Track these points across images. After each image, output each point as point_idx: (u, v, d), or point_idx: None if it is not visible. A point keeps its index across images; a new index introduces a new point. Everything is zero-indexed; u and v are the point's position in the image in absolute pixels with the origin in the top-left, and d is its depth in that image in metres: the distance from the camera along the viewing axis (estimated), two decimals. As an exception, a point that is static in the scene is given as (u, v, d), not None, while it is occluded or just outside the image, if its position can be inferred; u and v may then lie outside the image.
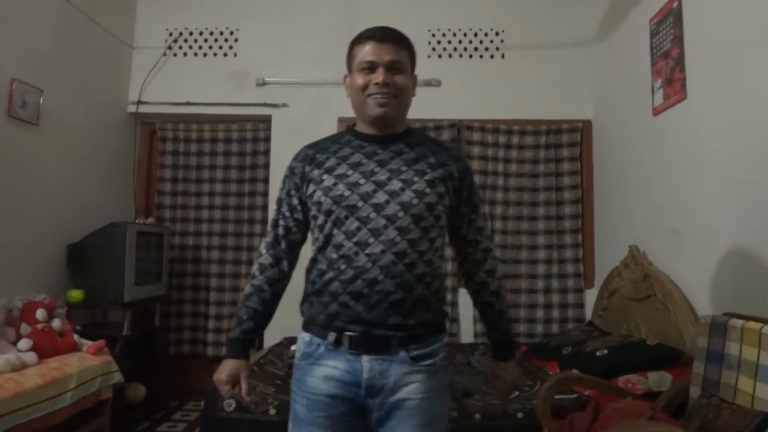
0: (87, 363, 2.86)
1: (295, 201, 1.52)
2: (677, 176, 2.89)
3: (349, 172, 1.42)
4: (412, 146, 1.48)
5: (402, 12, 4.27)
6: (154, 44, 4.39)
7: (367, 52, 1.43)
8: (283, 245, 1.55)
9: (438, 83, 4.23)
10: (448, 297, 4.01)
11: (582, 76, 4.18)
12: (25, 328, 2.77)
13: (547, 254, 4.04)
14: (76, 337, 3.03)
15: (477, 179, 3.96)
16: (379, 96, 1.42)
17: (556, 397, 2.30)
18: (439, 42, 4.27)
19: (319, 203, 1.42)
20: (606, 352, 2.72)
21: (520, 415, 2.36)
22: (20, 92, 3.14)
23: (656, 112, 3.09)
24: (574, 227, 4.06)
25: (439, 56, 4.27)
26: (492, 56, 4.27)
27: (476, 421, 2.34)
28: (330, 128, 4.21)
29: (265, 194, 4.30)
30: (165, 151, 4.41)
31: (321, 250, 1.46)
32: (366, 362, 1.37)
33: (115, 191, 4.17)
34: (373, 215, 1.37)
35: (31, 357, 2.66)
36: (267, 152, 4.34)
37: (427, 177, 1.42)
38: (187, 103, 4.30)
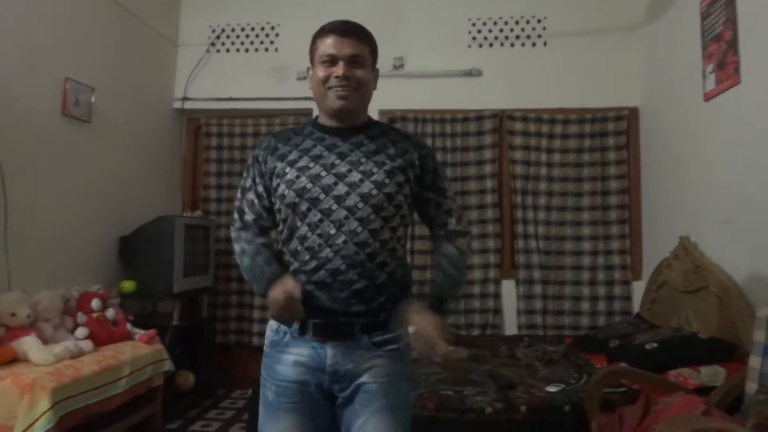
0: (139, 351, 2.96)
1: (261, 188, 1.53)
2: (730, 163, 2.78)
3: (311, 165, 1.45)
4: (373, 138, 1.50)
5: (442, 1, 4.24)
6: (198, 41, 4.48)
7: (328, 45, 1.45)
8: (253, 229, 1.55)
9: (479, 73, 4.18)
10: (491, 289, 3.99)
11: (627, 62, 4.07)
12: (81, 317, 2.89)
13: (592, 245, 3.96)
14: (128, 326, 3.14)
15: (519, 169, 3.98)
16: (339, 89, 1.44)
17: (605, 390, 2.26)
18: (479, 31, 4.22)
19: (283, 196, 1.45)
20: (656, 345, 2.66)
21: (566, 407, 2.33)
22: (73, 91, 3.26)
23: (708, 97, 2.98)
24: (621, 218, 3.96)
25: (480, 45, 4.22)
26: (534, 44, 4.19)
27: (522, 414, 2.32)
28: (371, 120, 4.23)
29: (307, 187, 4.34)
30: (210, 146, 4.50)
31: (286, 242, 1.48)
32: (330, 348, 1.41)
33: (162, 185, 4.29)
34: (334, 207, 1.40)
35: (87, 345, 2.77)
36: (309, 145, 4.37)
37: (386, 168, 1.44)
38: (231, 99, 4.38)
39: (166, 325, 3.46)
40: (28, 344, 2.58)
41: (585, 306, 3.92)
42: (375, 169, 1.43)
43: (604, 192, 3.99)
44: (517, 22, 4.21)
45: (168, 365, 3.15)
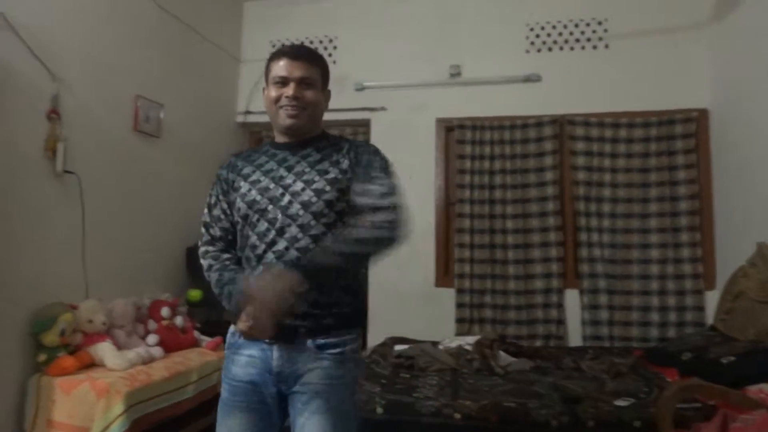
0: (206, 358, 3.05)
1: (225, 205, 1.63)
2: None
3: (262, 179, 1.56)
4: (320, 149, 1.59)
5: (499, 7, 4.21)
6: (259, 56, 4.59)
7: (280, 67, 1.55)
8: (220, 244, 1.64)
9: (538, 78, 4.11)
10: (554, 298, 3.89)
11: (695, 61, 3.90)
12: (152, 324, 3.01)
13: (661, 254, 3.80)
14: (195, 333, 3.25)
15: (581, 176, 3.88)
16: (289, 108, 1.54)
17: (678, 406, 2.16)
18: (537, 36, 4.15)
19: (238, 209, 1.57)
20: (733, 359, 2.52)
21: (637, 423, 2.24)
22: (144, 108, 3.42)
23: (786, 96, 2.82)
24: (692, 224, 3.78)
25: (538, 50, 4.15)
26: (595, 47, 4.09)
27: (589, 428, 2.24)
28: (428, 129, 4.24)
29: (366, 196, 4.37)
30: (271, 157, 4.60)
31: (241, 250, 1.58)
32: (276, 350, 1.49)
33: (226, 197, 4.41)
34: (279, 216, 1.50)
35: (158, 351, 2.88)
36: (367, 155, 4.41)
37: (328, 176, 1.52)
38: (291, 111, 4.47)
39: (231, 333, 3.55)
40: (104, 350, 2.71)
41: (654, 317, 3.76)
42: (317, 178, 1.52)
43: (673, 198, 3.83)
44: (576, 25, 4.11)
45: (232, 373, 3.22)
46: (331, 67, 4.61)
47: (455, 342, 3.36)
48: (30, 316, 2.63)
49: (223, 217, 1.63)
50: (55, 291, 2.77)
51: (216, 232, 1.64)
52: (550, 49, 4.14)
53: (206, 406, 3.05)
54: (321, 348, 1.48)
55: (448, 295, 4.05)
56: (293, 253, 1.46)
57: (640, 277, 3.82)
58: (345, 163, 1.55)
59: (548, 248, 3.93)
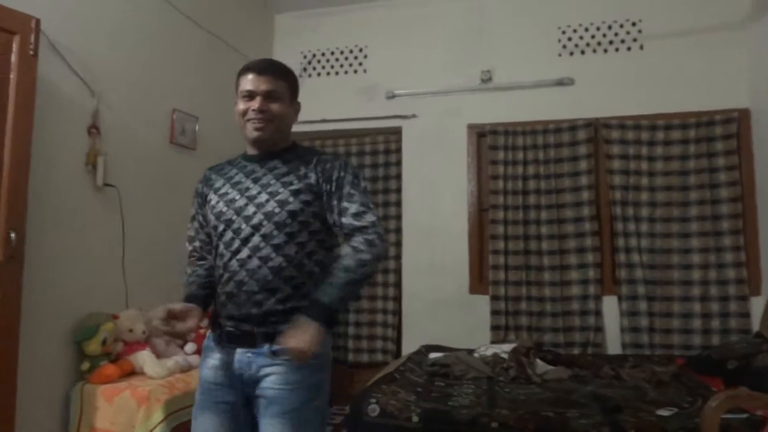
0: (243, 367, 3.08)
1: (201, 218, 1.73)
2: None
3: (229, 191, 1.64)
4: (287, 161, 1.64)
5: (530, 11, 4.18)
6: (290, 67, 4.66)
7: (247, 81, 1.62)
8: (198, 254, 1.76)
9: (571, 82, 4.06)
10: (591, 305, 3.81)
11: (734, 61, 3.79)
12: (190, 333, 3.06)
13: (702, 258, 3.69)
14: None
15: (618, 180, 3.80)
16: (255, 121, 1.60)
17: (724, 416, 2.09)
18: (570, 39, 4.10)
19: (209, 220, 1.66)
20: (781, 367, 2.43)
21: (680, 433, 2.17)
22: (180, 121, 3.49)
23: (833, 94, 2.71)
24: (734, 228, 3.67)
25: (571, 53, 4.10)
26: (629, 48, 4.01)
27: (630, 438, 2.19)
28: (460, 136, 4.23)
29: (398, 204, 4.39)
30: (303, 166, 4.65)
31: (214, 260, 1.67)
32: (238, 354, 1.56)
33: (260, 206, 4.47)
34: (243, 226, 1.57)
35: (195, 359, 2.93)
36: (398, 163, 4.43)
37: (292, 187, 1.58)
38: (323, 120, 4.51)
39: (267, 341, 3.58)
40: (144, 358, 2.77)
41: (696, 324, 3.65)
42: (281, 189, 1.58)
43: (714, 201, 3.72)
44: (609, 27, 4.05)
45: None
46: (362, 76, 4.69)
47: (491, 350, 3.32)
48: (73, 325, 2.71)
49: (201, 230, 1.74)
50: (97, 301, 2.84)
51: (197, 244, 1.76)
52: (583, 52, 4.08)
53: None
54: (277, 354, 1.51)
55: (483, 302, 4.02)
56: (255, 262, 1.54)
57: (681, 282, 3.71)
58: (312, 177, 1.60)
59: (584, 254, 3.86)
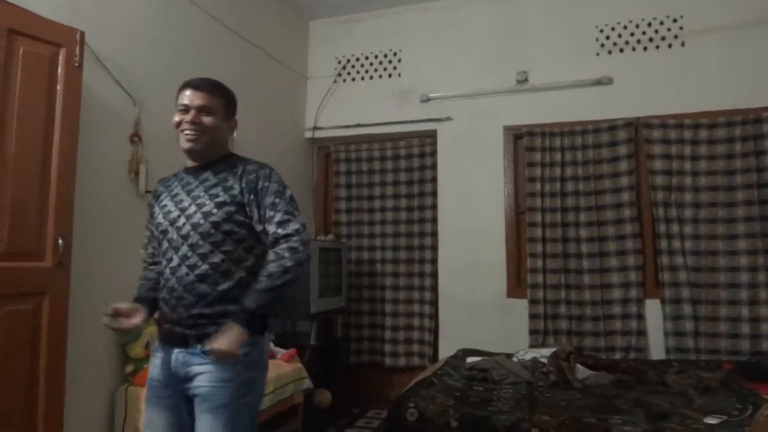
0: (281, 369, 3.11)
1: (152, 227, 1.82)
2: None
3: (168, 203, 1.74)
4: (217, 173, 1.73)
5: (566, 11, 4.12)
6: (325, 73, 4.71)
7: (184, 96, 1.73)
8: (152, 262, 1.87)
9: (609, 81, 3.97)
10: (633, 309, 3.72)
11: (781, 55, 3.65)
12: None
13: (750, 261, 3.55)
14: (270, 345, 3.32)
15: (660, 180, 3.72)
16: (188, 132, 1.70)
17: (777, 424, 2.01)
18: (608, 38, 4.02)
19: (152, 231, 1.80)
20: (838, 373, 2.32)
21: (730, 442, 2.10)
22: (218, 128, 3.55)
23: None
24: (784, 229, 3.53)
25: (609, 52, 4.02)
26: (670, 45, 3.91)
27: (677, 447, 2.12)
28: (496, 138, 4.19)
29: (434, 207, 4.37)
30: (339, 171, 4.69)
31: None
32: (174, 354, 1.66)
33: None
34: (175, 236, 1.68)
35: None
36: (434, 166, 4.41)
37: (218, 199, 1.67)
38: (357, 125, 4.54)
39: (304, 345, 3.62)
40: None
41: (745, 328, 3.52)
42: (207, 201, 1.67)
43: (762, 201, 3.58)
44: (649, 24, 3.95)
45: (307, 383, 3.28)
46: (396, 80, 4.70)
47: (530, 354, 3.27)
48: (118, 329, 2.78)
49: (152, 237, 1.85)
50: (140, 305, 2.91)
51: (149, 250, 1.89)
52: (621, 51, 4.00)
53: (282, 417, 3.12)
54: (206, 354, 1.60)
55: (521, 305, 3.96)
56: (183, 270, 1.64)
57: (727, 285, 3.59)
58: (236, 188, 1.68)
59: (626, 256, 3.77)
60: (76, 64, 2.42)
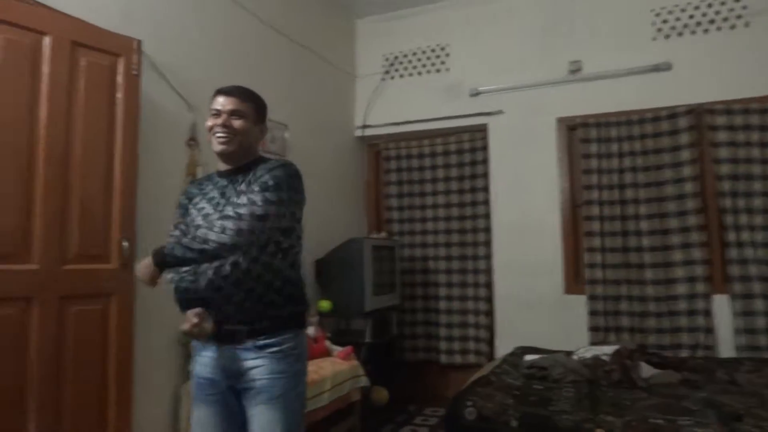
0: (338, 367, 3.14)
1: (183, 226, 1.84)
2: None
3: (204, 205, 1.80)
4: (247, 175, 1.77)
5: (621, -4, 3.97)
6: (373, 71, 4.72)
7: (216, 102, 1.81)
8: None
9: (668, 67, 3.81)
10: (700, 305, 3.56)
11: None
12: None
13: (828, 252, 3.35)
14: (327, 343, 3.36)
15: (725, 169, 3.55)
16: (220, 135, 1.77)
17: None
18: (665, 21, 3.85)
19: (182, 230, 1.81)
20: None
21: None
22: (271, 129, 3.58)
23: None
24: None
25: (667, 37, 3.85)
26: (733, 26, 3.71)
27: (754, 449, 2.02)
28: (549, 130, 4.10)
29: (486, 203, 4.31)
30: (389, 169, 4.68)
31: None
32: (224, 350, 1.72)
33: (349, 210, 4.55)
34: None
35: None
36: (485, 161, 4.35)
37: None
38: (407, 122, 4.52)
39: (360, 342, 3.64)
40: (245, 360, 2.87)
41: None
42: (240, 203, 1.69)
43: (840, 187, 3.37)
44: (710, 5, 3.76)
45: (364, 381, 3.30)
46: (445, 75, 4.67)
47: (590, 352, 3.17)
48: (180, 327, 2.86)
49: (182, 236, 1.80)
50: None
51: None
52: (680, 34, 3.83)
53: (340, 414, 3.14)
54: (261, 348, 1.69)
55: (579, 302, 3.86)
56: (227, 268, 1.67)
57: (801, 279, 3.39)
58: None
59: (690, 250, 3.62)
60: (134, 73, 2.50)
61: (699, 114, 3.71)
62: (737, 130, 3.58)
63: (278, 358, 1.71)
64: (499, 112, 4.25)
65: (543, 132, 4.12)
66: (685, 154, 3.67)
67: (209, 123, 1.80)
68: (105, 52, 2.41)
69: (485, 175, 4.34)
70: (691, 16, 3.80)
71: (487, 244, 4.29)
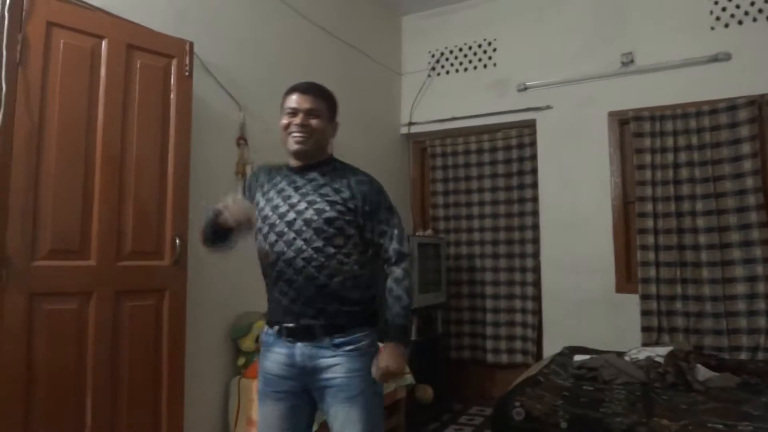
0: (384, 365, 3.13)
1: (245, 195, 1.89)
2: None
3: (275, 197, 1.80)
4: (323, 174, 1.80)
5: (677, -16, 3.82)
6: (419, 68, 4.70)
7: (292, 100, 1.79)
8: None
9: (727, 57, 3.64)
10: (761, 305, 3.38)
11: None
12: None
13: None
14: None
15: (790, 163, 3.36)
16: (297, 135, 1.76)
17: None
18: (724, 9, 3.68)
19: (256, 221, 1.79)
20: None
21: None
22: (317, 127, 3.63)
23: None
24: None
25: (726, 25, 3.68)
26: (797, 13, 3.52)
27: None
28: (600, 125, 4.00)
29: (535, 200, 4.23)
30: (435, 166, 4.66)
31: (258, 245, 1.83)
32: (299, 348, 1.71)
33: (395, 207, 4.54)
34: (286, 230, 1.73)
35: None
36: (533, 157, 4.27)
37: (328, 198, 1.74)
38: (453, 119, 4.48)
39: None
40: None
41: None
42: (318, 199, 1.74)
43: None
44: (773, -9, 3.58)
45: (409, 379, 3.29)
46: (492, 71, 4.60)
47: (643, 353, 3.08)
48: (230, 323, 2.93)
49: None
50: (249, 300, 3.03)
51: None
52: (740, 23, 3.65)
53: (385, 412, 3.13)
54: (338, 346, 1.69)
55: (632, 301, 3.74)
56: (300, 262, 1.69)
57: None
58: (347, 193, 1.76)
59: (751, 248, 3.45)
60: (187, 74, 2.57)
61: (761, 105, 3.54)
62: (802, 121, 3.41)
63: (356, 356, 1.70)
64: (548, 107, 4.17)
65: (594, 127, 4.01)
66: (746, 148, 3.51)
67: (284, 121, 1.79)
68: (158, 54, 2.48)
69: (533, 172, 4.27)
70: (752, 3, 3.62)
71: (535, 241, 4.21)
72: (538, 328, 4.15)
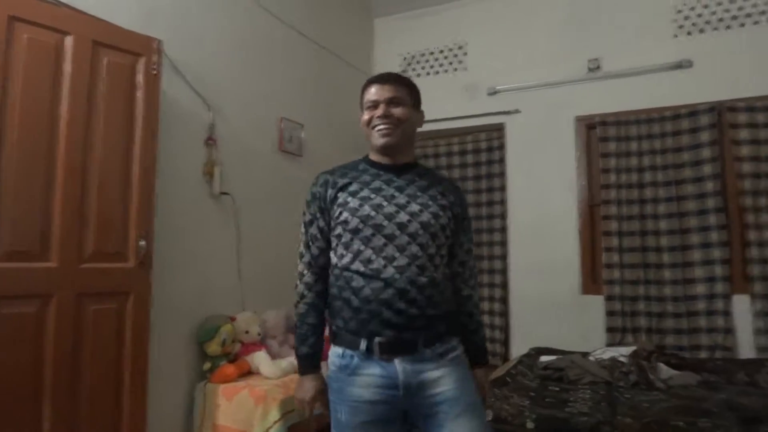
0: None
1: (321, 223, 1.66)
2: None
3: (372, 196, 1.60)
4: (421, 176, 1.68)
5: (640, -8, 3.91)
6: (390, 70, 4.67)
7: (371, 93, 1.66)
8: (319, 263, 1.67)
9: (689, 64, 3.75)
10: (719, 305, 3.49)
11: None
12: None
13: None
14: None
15: (747, 167, 3.52)
16: (381, 127, 1.62)
17: None
18: (686, 18, 3.79)
19: (346, 222, 1.58)
20: None
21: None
22: (287, 129, 3.62)
23: None
24: None
25: (688, 33, 3.79)
26: (756, 22, 3.64)
27: (776, 454, 1.98)
28: (567, 129, 4.06)
29: (503, 202, 4.28)
30: (405, 168, 4.66)
31: (348, 265, 1.58)
32: (398, 364, 1.51)
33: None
34: (397, 233, 1.55)
35: (308, 360, 3.00)
36: (502, 160, 4.32)
37: (439, 202, 1.63)
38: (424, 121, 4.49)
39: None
40: (259, 359, 2.89)
41: None
42: (430, 202, 1.61)
43: None
44: (732, 1, 3.70)
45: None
46: (463, 74, 4.63)
47: (608, 353, 3.14)
48: (195, 327, 2.88)
49: (319, 236, 1.66)
50: (216, 303, 3.01)
51: (314, 251, 1.67)
52: (701, 31, 3.76)
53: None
54: (441, 355, 1.56)
55: (596, 302, 3.81)
56: (414, 270, 1.53)
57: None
58: (449, 198, 1.67)
59: (710, 249, 3.55)
60: (154, 72, 2.52)
61: (720, 112, 3.65)
62: (759, 127, 3.51)
63: (456, 363, 1.58)
64: (517, 111, 4.22)
65: (561, 131, 4.08)
66: (706, 153, 3.61)
67: (366, 117, 1.65)
68: (126, 51, 2.43)
69: (502, 175, 4.31)
70: (714, 12, 3.74)
71: (503, 244, 4.26)
72: (506, 329, 4.20)
